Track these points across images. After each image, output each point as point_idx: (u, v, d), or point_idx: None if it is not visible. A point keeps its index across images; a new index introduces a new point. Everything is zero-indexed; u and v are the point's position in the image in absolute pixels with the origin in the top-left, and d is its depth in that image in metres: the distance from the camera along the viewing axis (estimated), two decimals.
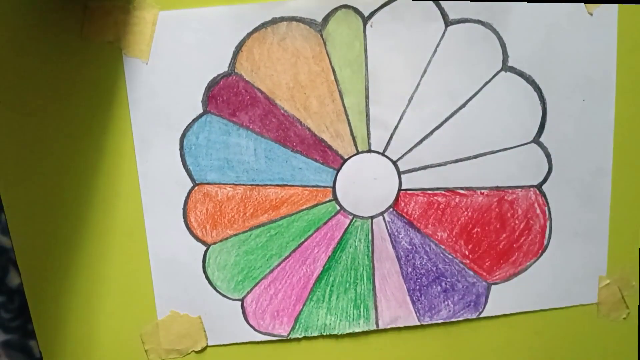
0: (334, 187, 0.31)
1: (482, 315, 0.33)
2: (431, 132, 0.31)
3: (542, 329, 0.33)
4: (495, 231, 0.32)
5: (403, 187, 0.31)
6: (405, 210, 0.32)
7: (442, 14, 0.30)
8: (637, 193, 0.32)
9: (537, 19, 0.30)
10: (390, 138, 0.31)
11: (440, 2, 0.30)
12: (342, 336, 0.33)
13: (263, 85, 0.30)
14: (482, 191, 0.32)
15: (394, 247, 0.32)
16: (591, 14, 0.30)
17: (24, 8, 0.29)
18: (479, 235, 0.32)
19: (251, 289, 0.32)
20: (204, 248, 0.32)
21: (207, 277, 0.32)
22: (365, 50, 0.30)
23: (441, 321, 0.33)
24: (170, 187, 0.31)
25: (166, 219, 0.31)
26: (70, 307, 0.32)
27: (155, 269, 0.31)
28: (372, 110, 0.30)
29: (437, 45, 0.30)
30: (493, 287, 0.33)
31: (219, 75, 0.30)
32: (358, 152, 0.31)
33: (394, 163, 0.31)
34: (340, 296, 0.32)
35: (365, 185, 0.31)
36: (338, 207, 0.32)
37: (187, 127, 0.30)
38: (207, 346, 0.33)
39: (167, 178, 0.31)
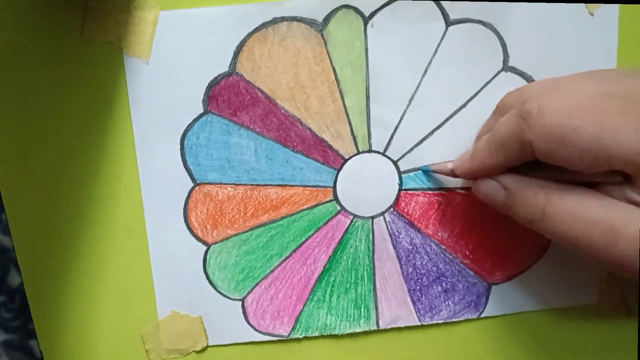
0: (334, 187, 0.31)
1: (482, 316, 0.33)
2: (432, 132, 0.31)
3: (542, 330, 0.33)
4: (496, 231, 0.32)
5: (404, 187, 0.31)
6: (405, 210, 0.32)
7: (442, 14, 0.30)
8: None
9: (537, 19, 0.30)
10: (391, 138, 0.31)
11: (441, 2, 0.30)
12: (343, 336, 0.33)
13: (264, 85, 0.30)
14: None
15: (394, 247, 0.32)
16: (592, 14, 0.30)
17: (24, 8, 0.29)
18: (480, 235, 0.32)
19: (252, 289, 0.32)
20: (205, 248, 0.32)
21: (207, 277, 0.32)
22: (366, 50, 0.30)
23: (442, 321, 0.33)
24: (171, 187, 0.31)
25: (167, 218, 0.31)
26: (70, 307, 0.32)
27: (155, 268, 0.31)
28: (373, 110, 0.30)
29: (438, 45, 0.30)
30: (494, 287, 0.32)
31: (219, 75, 0.30)
32: (359, 152, 0.31)
33: (395, 163, 0.31)
34: (340, 296, 0.32)
35: (366, 185, 0.31)
36: (339, 207, 0.32)
37: (187, 127, 0.30)
38: (207, 346, 0.33)
39: (167, 178, 0.31)
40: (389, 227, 0.32)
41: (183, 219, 0.31)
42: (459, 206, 0.32)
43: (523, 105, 0.24)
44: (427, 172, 0.31)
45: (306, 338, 0.33)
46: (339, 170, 0.31)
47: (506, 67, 0.30)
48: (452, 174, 0.29)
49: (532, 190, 0.25)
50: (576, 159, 0.23)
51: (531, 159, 0.25)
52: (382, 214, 0.32)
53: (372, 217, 0.32)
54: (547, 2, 0.30)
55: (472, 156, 0.28)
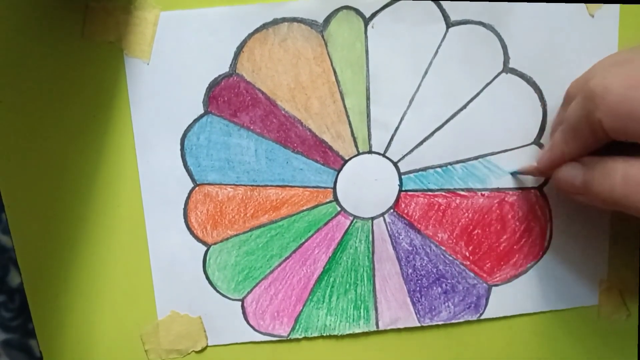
0: (334, 188, 0.31)
1: (482, 317, 0.33)
2: (432, 133, 0.31)
3: (542, 331, 0.33)
4: (496, 233, 0.32)
5: (404, 188, 0.31)
6: (405, 211, 0.32)
7: (443, 15, 0.30)
8: None
9: (538, 20, 0.30)
10: (391, 139, 0.31)
11: (442, 2, 0.29)
12: (342, 337, 0.33)
13: (264, 86, 0.30)
14: (483, 192, 0.31)
15: (394, 248, 0.32)
16: (592, 15, 0.30)
17: (24, 8, 0.29)
18: (480, 236, 0.32)
19: (251, 290, 0.32)
20: (205, 248, 0.32)
21: (207, 278, 0.32)
22: (367, 51, 0.30)
23: (441, 322, 0.33)
24: (171, 188, 0.31)
25: (167, 219, 0.31)
26: (70, 307, 0.32)
27: (155, 269, 0.31)
28: (373, 111, 0.30)
29: (439, 47, 0.30)
30: (493, 288, 0.32)
31: (220, 75, 0.30)
32: (359, 153, 0.31)
33: (395, 164, 0.31)
34: (340, 297, 0.32)
35: (366, 186, 0.31)
36: (339, 208, 0.32)
37: (188, 127, 0.30)
38: (207, 346, 0.33)
39: (167, 178, 0.31)
40: (389, 228, 0.32)
41: (183, 220, 0.31)
42: (459, 207, 0.32)
43: (587, 85, 0.24)
44: (514, 174, 0.31)
45: (306, 338, 0.33)
46: (339, 171, 0.31)
47: (507, 69, 0.30)
48: (539, 171, 0.30)
49: (610, 163, 0.25)
50: None
51: (606, 140, 0.25)
52: (382, 215, 0.32)
53: (372, 218, 0.32)
54: (547, 2, 0.30)
55: (550, 147, 0.28)
